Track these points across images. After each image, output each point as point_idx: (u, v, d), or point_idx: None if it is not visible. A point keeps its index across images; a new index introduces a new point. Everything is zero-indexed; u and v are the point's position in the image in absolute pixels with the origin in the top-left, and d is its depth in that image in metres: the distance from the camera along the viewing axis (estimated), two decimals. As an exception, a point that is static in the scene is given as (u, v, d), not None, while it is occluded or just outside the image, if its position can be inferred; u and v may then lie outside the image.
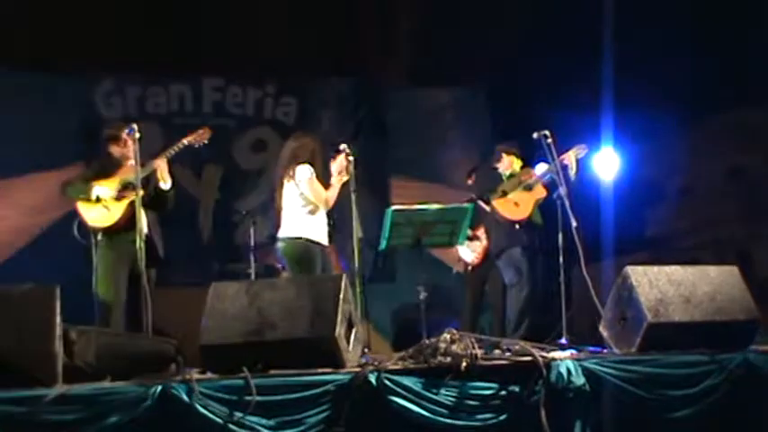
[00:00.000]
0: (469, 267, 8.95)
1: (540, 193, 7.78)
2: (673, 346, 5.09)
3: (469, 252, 8.81)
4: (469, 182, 9.06)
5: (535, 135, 7.27)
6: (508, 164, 8.15)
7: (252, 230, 9.08)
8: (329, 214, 7.45)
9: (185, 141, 6.90)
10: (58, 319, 4.72)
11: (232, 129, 10.69)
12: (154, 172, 6.75)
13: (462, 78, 11.22)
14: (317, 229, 7.29)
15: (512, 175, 8.08)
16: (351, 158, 7.07)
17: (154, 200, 6.83)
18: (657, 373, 4.91)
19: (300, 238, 7.23)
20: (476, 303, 8.97)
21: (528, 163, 8.10)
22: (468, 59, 10.86)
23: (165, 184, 6.82)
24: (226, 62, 10.54)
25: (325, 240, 7.35)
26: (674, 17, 9.50)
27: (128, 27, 9.74)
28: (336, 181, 7.26)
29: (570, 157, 7.44)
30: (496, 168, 8.16)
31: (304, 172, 7.25)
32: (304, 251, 7.22)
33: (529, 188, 7.80)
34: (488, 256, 8.89)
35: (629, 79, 8.99)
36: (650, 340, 5.16)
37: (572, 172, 7.37)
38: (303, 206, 7.28)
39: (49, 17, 9.42)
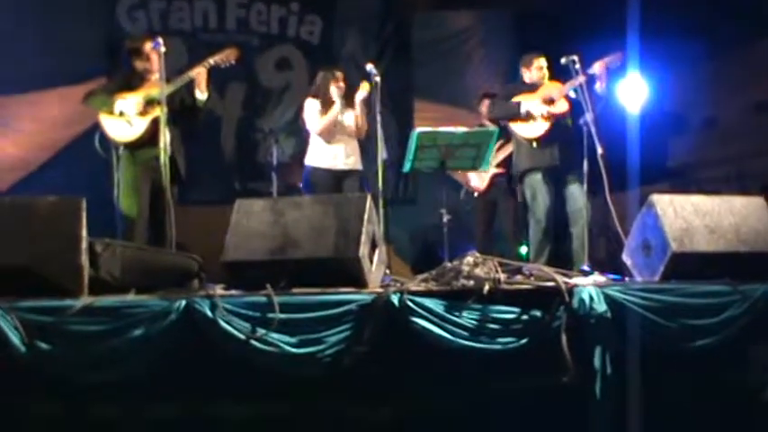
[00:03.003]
0: (475, 194, 8.93)
1: (561, 107, 7.38)
2: (696, 276, 5.06)
3: (476, 178, 8.79)
4: (482, 108, 8.93)
5: (563, 60, 7.15)
6: (537, 71, 7.61)
7: (274, 149, 9.07)
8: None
9: (212, 60, 6.82)
10: (84, 231, 4.75)
11: (255, 46, 10.60)
12: (185, 86, 6.69)
13: (489, 1, 11.07)
14: (322, 156, 7.70)
15: (532, 88, 7.59)
16: (377, 80, 7.03)
17: (186, 111, 6.79)
18: (679, 303, 4.88)
19: (308, 165, 7.77)
20: (486, 230, 8.97)
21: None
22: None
23: (203, 94, 6.77)
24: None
25: (335, 165, 7.63)
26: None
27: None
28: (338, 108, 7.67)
29: (601, 67, 7.14)
30: (521, 83, 7.77)
31: (305, 106, 7.79)
32: (309, 177, 7.75)
33: (550, 102, 7.39)
34: (495, 183, 8.84)
35: (658, 7, 8.84)
36: (674, 270, 5.14)
37: (599, 85, 7.15)
38: (311, 136, 7.77)
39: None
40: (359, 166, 7.79)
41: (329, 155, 7.68)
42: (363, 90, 7.54)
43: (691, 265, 5.13)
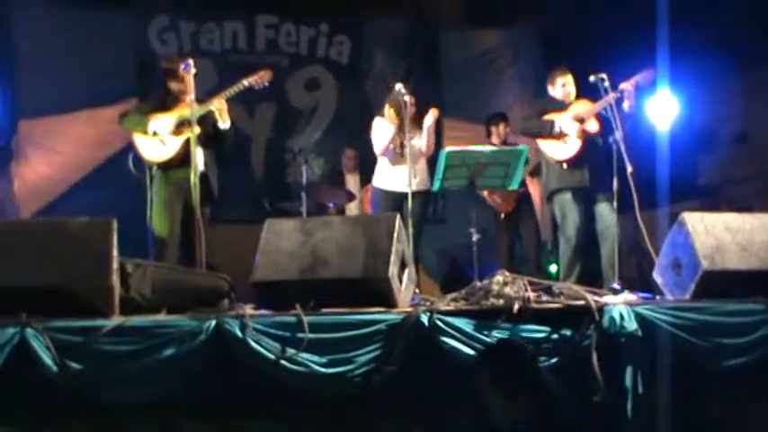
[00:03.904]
0: (502, 214, 8.92)
1: (592, 127, 7.24)
2: (727, 294, 5.03)
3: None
4: (499, 129, 8.93)
5: (592, 78, 7.11)
6: (561, 88, 7.47)
7: (303, 169, 9.09)
8: None
9: (245, 82, 6.82)
10: (115, 251, 4.79)
11: (285, 67, 10.65)
12: (212, 111, 6.72)
13: (517, 19, 11.08)
14: (385, 177, 7.72)
15: (562, 106, 7.45)
16: (406, 99, 7.03)
17: (212, 138, 6.82)
18: (711, 321, 4.85)
19: (375, 186, 7.85)
20: (509, 249, 8.95)
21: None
22: (524, 1, 10.72)
23: (224, 123, 6.78)
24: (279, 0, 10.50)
25: (393, 187, 7.59)
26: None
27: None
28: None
29: (630, 86, 7.02)
30: (550, 100, 7.59)
31: (373, 125, 7.76)
32: (375, 198, 7.86)
33: (580, 122, 7.25)
34: (520, 203, 8.83)
35: (686, 23, 8.81)
36: (705, 288, 5.11)
37: (627, 103, 7.07)
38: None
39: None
40: (424, 187, 7.56)
41: (392, 177, 7.62)
42: (432, 115, 7.56)
43: (722, 283, 5.10)
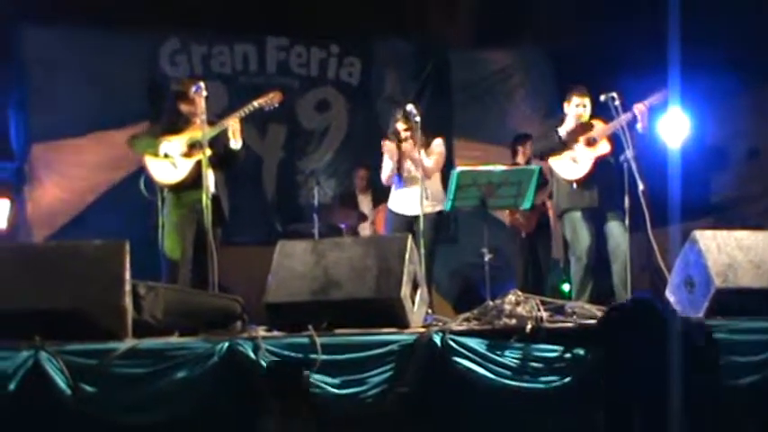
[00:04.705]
0: (523, 234, 8.94)
1: (603, 149, 7.21)
2: (741, 312, 5.01)
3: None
4: (518, 159, 8.95)
5: (602, 97, 7.11)
6: (575, 108, 7.33)
7: (315, 190, 9.11)
8: None
9: (256, 104, 6.83)
10: (128, 274, 4.80)
11: (296, 88, 10.69)
12: (224, 131, 6.75)
13: (527, 39, 11.10)
14: (395, 200, 7.65)
15: (575, 128, 7.35)
16: (417, 119, 7.03)
17: (222, 158, 6.84)
18: (725, 339, 4.83)
19: (388, 207, 7.76)
20: (529, 269, 8.95)
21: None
22: (534, 20, 10.74)
23: (237, 143, 6.80)
24: (290, 22, 10.54)
25: (402, 210, 7.53)
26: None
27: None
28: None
29: (643, 107, 7.01)
30: (561, 119, 7.46)
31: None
32: (389, 220, 7.76)
33: (592, 143, 7.24)
34: (541, 223, 8.85)
35: (696, 41, 8.82)
36: (718, 306, 5.10)
37: (641, 125, 7.06)
38: None
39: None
40: (436, 208, 7.43)
41: (401, 200, 7.57)
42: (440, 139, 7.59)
43: (735, 301, 5.09)
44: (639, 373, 4.51)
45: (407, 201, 7.46)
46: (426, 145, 7.42)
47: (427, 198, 7.22)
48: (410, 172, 7.46)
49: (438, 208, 7.42)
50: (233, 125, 6.70)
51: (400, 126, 7.44)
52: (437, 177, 7.57)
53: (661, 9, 8.51)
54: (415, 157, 7.28)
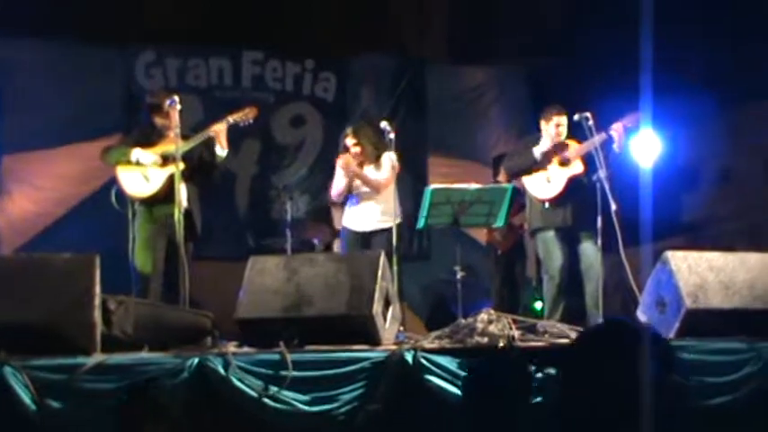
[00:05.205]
0: (499, 251, 8.95)
1: (577, 169, 7.25)
2: (711, 332, 5.04)
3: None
4: (501, 177, 8.93)
5: (576, 116, 7.15)
6: (554, 127, 7.35)
7: (288, 206, 9.08)
8: None
9: (231, 119, 6.83)
10: (98, 288, 4.76)
11: (271, 103, 10.67)
12: (210, 139, 6.72)
13: (503, 57, 11.14)
14: (348, 216, 7.52)
15: (551, 149, 7.38)
16: (391, 136, 7.02)
17: (204, 168, 6.81)
18: (695, 360, 4.86)
19: (343, 224, 7.62)
20: (504, 286, 8.97)
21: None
22: (509, 38, 10.78)
23: (223, 150, 6.79)
24: (265, 36, 10.52)
25: (357, 227, 7.43)
26: (718, 3, 9.40)
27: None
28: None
29: (619, 129, 7.06)
30: (537, 138, 7.53)
31: None
32: (343, 237, 7.61)
33: (566, 162, 7.29)
34: (518, 240, 8.87)
35: (670, 63, 8.88)
36: (689, 326, 5.13)
37: (616, 145, 7.08)
38: None
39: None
40: (389, 224, 7.28)
41: (354, 216, 7.49)
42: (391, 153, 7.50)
43: (705, 321, 5.12)
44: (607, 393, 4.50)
45: (361, 217, 7.41)
46: (376, 160, 7.39)
47: (383, 213, 7.25)
48: (359, 188, 7.42)
49: (392, 223, 7.33)
50: (220, 131, 6.68)
51: (349, 141, 7.42)
52: (391, 192, 7.44)
53: (634, 29, 8.57)
54: (362, 172, 7.31)
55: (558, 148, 7.27)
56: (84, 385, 4.48)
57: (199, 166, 6.82)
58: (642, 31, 8.40)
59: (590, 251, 7.15)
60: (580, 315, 7.16)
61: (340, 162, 7.47)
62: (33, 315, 4.63)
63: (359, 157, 7.34)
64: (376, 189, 7.30)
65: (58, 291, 4.71)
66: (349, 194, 7.47)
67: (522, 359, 4.65)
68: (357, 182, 7.38)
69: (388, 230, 7.27)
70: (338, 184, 7.49)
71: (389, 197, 7.39)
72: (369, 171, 7.34)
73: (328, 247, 9.21)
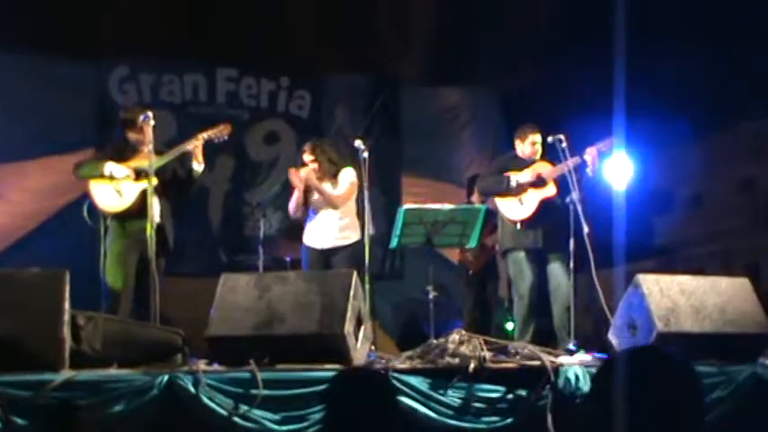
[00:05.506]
0: (470, 271, 8.95)
1: (550, 191, 7.25)
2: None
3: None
4: (474, 198, 8.93)
5: (550, 139, 7.17)
6: (530, 146, 7.34)
7: (261, 222, 9.06)
8: None
9: (205, 135, 6.81)
10: (67, 303, 4.71)
11: (245, 120, 10.66)
12: (186, 154, 6.70)
13: (477, 79, 11.20)
14: (308, 233, 7.44)
15: (524, 164, 7.38)
16: (365, 155, 7.00)
17: (178, 183, 6.79)
18: (665, 383, 4.87)
19: (303, 242, 7.50)
20: (476, 307, 8.97)
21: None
22: (484, 61, 10.84)
23: (199, 165, 6.77)
24: (240, 53, 10.53)
25: (316, 244, 7.36)
26: (689, 27, 9.49)
27: (143, 14, 9.72)
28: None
29: (593, 153, 7.06)
30: (512, 156, 7.55)
31: None
32: (304, 255, 7.50)
33: (538, 185, 7.26)
34: (490, 260, 8.88)
35: (643, 87, 8.96)
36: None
37: (590, 169, 7.10)
38: None
39: (66, 2, 9.41)
40: (351, 240, 7.34)
41: (313, 233, 7.41)
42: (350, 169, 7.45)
43: (676, 345, 5.12)
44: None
45: (319, 233, 7.36)
46: (333, 176, 7.39)
47: (343, 230, 7.24)
48: (317, 203, 7.38)
49: (352, 239, 7.34)
50: (196, 147, 6.66)
51: (306, 157, 7.41)
52: (351, 208, 7.44)
53: (608, 55, 8.65)
54: (319, 184, 7.28)
55: (537, 183, 7.26)
56: (52, 402, 4.42)
57: (173, 182, 6.78)
58: (615, 57, 8.49)
59: (558, 272, 7.16)
60: (551, 336, 7.17)
61: (290, 173, 7.47)
62: (1, 330, 4.58)
63: (316, 173, 7.33)
64: (332, 204, 7.27)
65: (26, 306, 4.66)
66: (309, 211, 7.43)
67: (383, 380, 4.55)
68: (315, 197, 7.35)
69: (350, 247, 7.29)
70: (294, 198, 7.46)
71: (349, 213, 7.39)
72: (326, 187, 7.31)
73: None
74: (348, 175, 7.37)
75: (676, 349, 4.51)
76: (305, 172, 7.32)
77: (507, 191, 7.30)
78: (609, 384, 3.85)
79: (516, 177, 7.29)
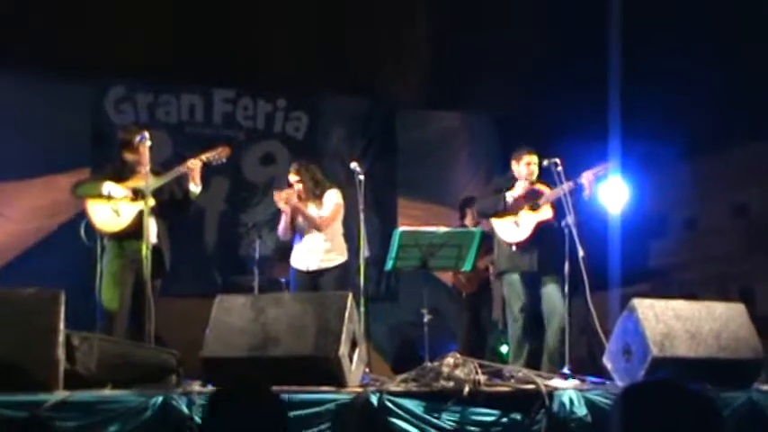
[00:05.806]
0: (463, 294, 8.96)
1: (546, 215, 7.26)
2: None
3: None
4: (467, 220, 8.95)
5: (545, 162, 7.19)
6: (525, 167, 7.33)
7: (257, 243, 9.05)
8: None
9: (204, 157, 6.81)
10: (62, 324, 4.70)
11: (241, 141, 10.68)
12: (180, 176, 6.70)
13: (473, 103, 11.24)
14: (296, 255, 7.46)
15: (523, 195, 7.33)
16: (361, 177, 7.01)
17: (175, 204, 6.79)
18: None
19: (291, 264, 7.52)
20: (471, 329, 8.97)
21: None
22: (481, 85, 10.88)
23: (197, 187, 6.77)
24: (237, 74, 10.55)
25: (302, 266, 7.38)
26: (683, 52, 9.54)
27: (141, 34, 9.74)
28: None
29: (589, 177, 7.08)
30: (509, 178, 7.53)
31: None
32: (292, 276, 7.54)
33: (535, 208, 7.29)
34: (483, 283, 8.88)
35: (638, 113, 8.99)
36: (654, 374, 5.13)
37: (586, 193, 7.12)
38: None
39: (63, 22, 9.43)
40: (337, 262, 7.38)
41: (299, 255, 7.43)
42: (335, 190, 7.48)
43: (671, 370, 5.12)
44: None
45: (305, 255, 7.38)
46: (318, 197, 7.39)
47: (329, 252, 7.25)
48: (303, 225, 7.39)
49: (338, 261, 7.36)
50: (194, 168, 6.66)
51: (292, 178, 7.42)
52: (336, 230, 7.45)
53: (603, 80, 8.68)
54: (302, 206, 7.30)
55: (531, 195, 7.28)
56: (46, 423, 4.41)
57: (170, 203, 6.78)
58: (610, 82, 8.52)
59: (553, 295, 7.16)
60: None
61: (275, 195, 7.46)
62: (-5, 350, 4.57)
63: (300, 194, 7.34)
64: (316, 226, 7.29)
65: (21, 326, 4.65)
66: (295, 233, 7.44)
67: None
68: (300, 219, 7.36)
69: (335, 269, 7.32)
70: (282, 221, 7.47)
71: (334, 235, 7.41)
72: (311, 209, 7.32)
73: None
74: (333, 197, 7.40)
75: (700, 385, 4.50)
76: (287, 194, 7.33)
77: (504, 209, 7.32)
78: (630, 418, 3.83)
79: (511, 193, 7.31)
